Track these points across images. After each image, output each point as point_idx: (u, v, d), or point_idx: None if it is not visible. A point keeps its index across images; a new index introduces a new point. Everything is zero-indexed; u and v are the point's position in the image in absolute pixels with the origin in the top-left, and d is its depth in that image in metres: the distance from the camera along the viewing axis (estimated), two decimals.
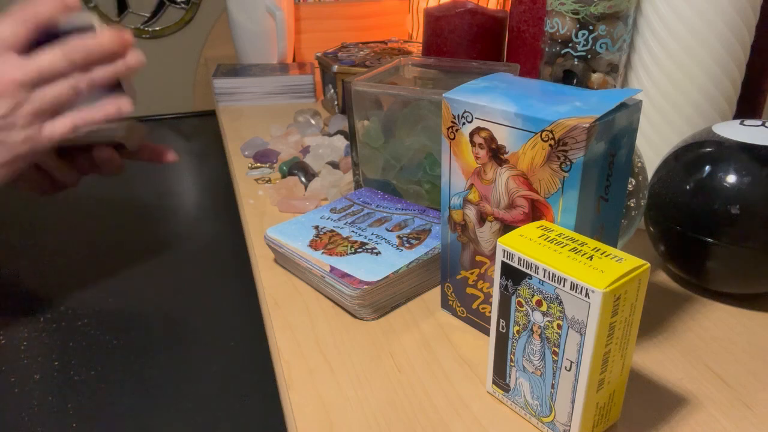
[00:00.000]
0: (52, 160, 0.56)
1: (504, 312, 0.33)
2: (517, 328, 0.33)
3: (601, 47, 0.48)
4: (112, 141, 0.57)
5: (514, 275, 0.32)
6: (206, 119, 1.27)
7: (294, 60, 1.12)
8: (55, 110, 0.51)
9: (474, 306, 0.42)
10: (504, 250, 0.32)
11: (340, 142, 0.72)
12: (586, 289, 0.28)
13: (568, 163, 0.32)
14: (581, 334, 0.29)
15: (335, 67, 0.85)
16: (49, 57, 0.49)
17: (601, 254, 0.30)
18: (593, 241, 0.32)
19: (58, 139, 0.52)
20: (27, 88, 0.49)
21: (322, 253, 0.47)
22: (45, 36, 0.51)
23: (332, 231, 0.50)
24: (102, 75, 0.52)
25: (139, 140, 0.61)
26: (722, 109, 0.50)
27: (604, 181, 0.34)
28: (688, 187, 0.43)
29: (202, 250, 0.73)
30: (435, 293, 0.47)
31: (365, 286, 0.42)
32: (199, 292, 0.66)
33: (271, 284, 0.49)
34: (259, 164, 0.72)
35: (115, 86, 0.54)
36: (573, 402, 0.31)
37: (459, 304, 0.43)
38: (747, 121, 0.45)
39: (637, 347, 0.41)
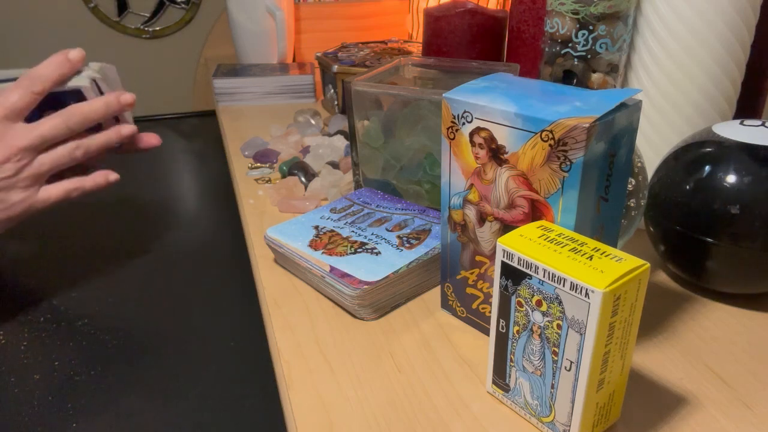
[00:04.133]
0: None
1: (504, 312, 0.33)
2: (517, 328, 0.33)
3: (601, 47, 0.48)
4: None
5: (514, 275, 0.32)
6: (206, 119, 1.27)
7: (294, 60, 1.12)
8: (51, 175, 0.56)
9: (474, 306, 0.42)
10: (504, 250, 0.32)
11: (340, 142, 0.72)
12: (586, 289, 0.28)
13: (568, 163, 0.32)
14: (581, 334, 0.29)
15: (335, 67, 0.85)
16: (51, 124, 0.54)
17: (601, 254, 0.30)
18: (593, 241, 0.32)
19: (51, 204, 0.56)
20: (30, 153, 0.54)
21: (322, 253, 0.47)
22: (46, 98, 0.55)
23: (332, 231, 0.50)
24: (97, 145, 0.57)
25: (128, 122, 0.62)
26: (722, 109, 0.50)
27: (604, 181, 0.34)
28: (688, 187, 0.43)
29: (202, 250, 0.73)
30: (435, 293, 0.47)
31: (365, 286, 0.42)
32: (199, 292, 0.66)
33: (271, 284, 0.49)
34: (259, 164, 0.72)
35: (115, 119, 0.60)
36: (573, 402, 0.31)
37: (459, 304, 0.43)
38: (747, 121, 0.45)
39: (637, 347, 0.41)
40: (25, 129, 0.53)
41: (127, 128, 0.59)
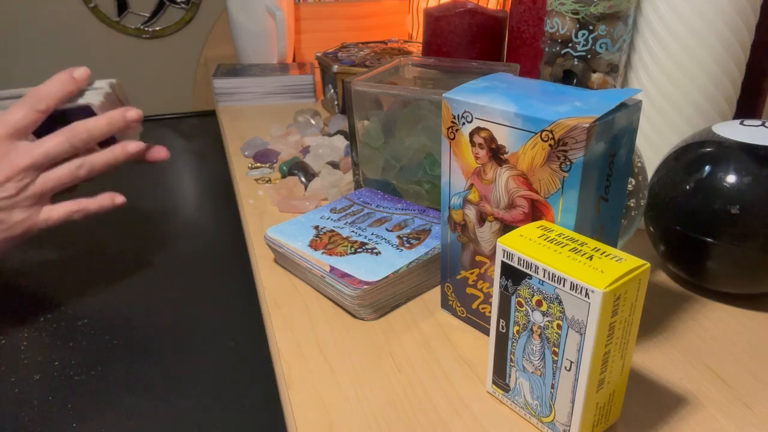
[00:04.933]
0: None
1: (504, 312, 0.33)
2: (517, 328, 0.33)
3: (601, 47, 0.48)
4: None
5: (514, 275, 0.32)
6: (206, 119, 1.27)
7: (294, 60, 1.12)
8: (54, 194, 0.55)
9: (474, 306, 0.42)
10: (504, 250, 0.32)
11: (340, 142, 0.72)
12: (586, 289, 0.28)
13: (568, 163, 0.32)
14: (581, 334, 0.29)
15: (335, 67, 0.85)
16: (55, 142, 0.53)
17: (601, 254, 0.30)
18: (593, 241, 0.32)
19: (53, 224, 0.56)
20: (33, 173, 0.53)
21: (322, 253, 0.47)
22: (52, 115, 0.55)
23: (332, 231, 0.50)
24: (101, 163, 0.56)
25: (134, 138, 0.61)
26: (722, 109, 0.50)
27: (604, 181, 0.34)
28: (688, 187, 0.43)
29: (202, 250, 0.73)
30: (435, 293, 0.47)
31: (365, 286, 0.42)
32: (199, 292, 0.66)
33: (271, 284, 0.49)
34: (259, 164, 0.72)
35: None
36: (573, 402, 0.31)
37: (459, 304, 0.43)
38: (747, 121, 0.45)
39: (637, 347, 0.41)
40: (28, 147, 0.53)
41: (133, 145, 0.58)
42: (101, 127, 0.55)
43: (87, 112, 0.57)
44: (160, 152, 0.62)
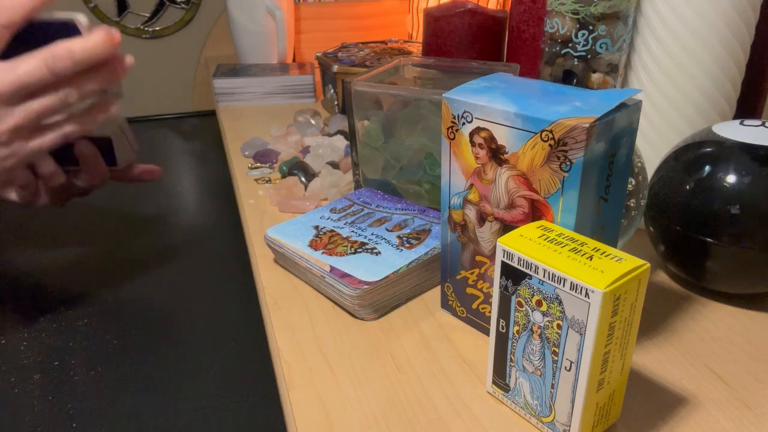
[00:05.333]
0: (47, 165, 0.53)
1: (504, 312, 0.33)
2: (517, 328, 0.33)
3: (601, 47, 0.48)
4: (101, 136, 0.56)
5: (514, 275, 0.32)
6: (206, 119, 1.27)
7: (294, 60, 1.12)
8: (41, 123, 0.47)
9: (474, 306, 0.42)
10: (504, 250, 0.32)
11: (340, 142, 0.72)
12: (586, 289, 0.28)
13: (568, 163, 0.32)
14: (581, 334, 0.29)
15: (335, 67, 0.85)
16: (30, 67, 0.44)
17: (601, 254, 0.30)
18: (593, 241, 0.32)
19: (45, 150, 0.49)
20: (6, 102, 0.45)
21: (322, 253, 0.47)
22: (26, 32, 0.46)
23: (332, 231, 0.50)
24: (92, 88, 0.47)
25: (129, 159, 0.59)
26: (722, 109, 0.50)
27: (604, 181, 0.34)
28: (688, 187, 0.43)
29: (202, 250, 0.73)
30: (435, 293, 0.47)
31: (365, 286, 0.42)
32: (199, 292, 0.66)
33: (271, 284, 0.49)
34: (259, 164, 0.72)
35: None
36: (573, 402, 0.31)
37: (459, 304, 0.43)
38: (747, 121, 0.45)
39: (637, 347, 0.41)
40: None
41: (124, 62, 0.49)
42: (86, 48, 0.45)
43: (71, 30, 0.47)
44: (156, 172, 0.59)
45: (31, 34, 0.46)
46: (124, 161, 0.59)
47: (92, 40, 0.45)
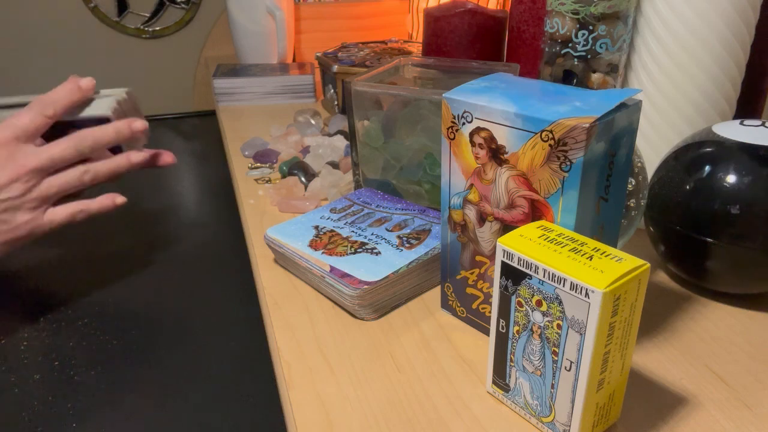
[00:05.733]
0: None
1: (504, 312, 0.33)
2: (517, 328, 0.33)
3: (601, 47, 0.48)
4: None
5: (514, 275, 0.32)
6: (206, 119, 1.27)
7: (294, 60, 1.12)
8: (58, 198, 0.56)
9: (474, 306, 0.42)
10: (504, 250, 0.32)
11: (340, 142, 0.72)
12: (586, 289, 0.28)
13: (568, 163, 0.32)
14: (581, 334, 0.29)
15: (335, 67, 0.85)
16: (62, 147, 0.55)
17: (601, 254, 0.30)
18: (593, 241, 0.32)
19: (56, 226, 0.57)
20: (39, 175, 0.54)
21: (322, 253, 0.47)
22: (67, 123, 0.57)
23: (332, 231, 0.50)
24: (106, 171, 0.58)
25: (139, 147, 0.62)
26: (722, 109, 0.50)
27: (604, 181, 0.34)
28: (688, 187, 0.43)
29: (202, 250, 0.73)
30: (435, 293, 0.47)
31: (365, 286, 0.42)
32: (199, 292, 0.66)
33: (271, 284, 0.49)
34: (259, 164, 0.72)
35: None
36: (573, 402, 0.31)
37: (459, 304, 0.43)
38: (747, 121, 0.45)
39: (637, 347, 0.41)
40: (34, 151, 0.54)
41: (136, 156, 0.60)
42: (108, 135, 0.57)
43: (103, 122, 0.58)
44: (167, 157, 0.64)
45: (69, 124, 0.57)
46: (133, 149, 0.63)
47: (111, 129, 0.57)
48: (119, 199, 0.60)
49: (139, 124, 0.59)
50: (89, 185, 0.58)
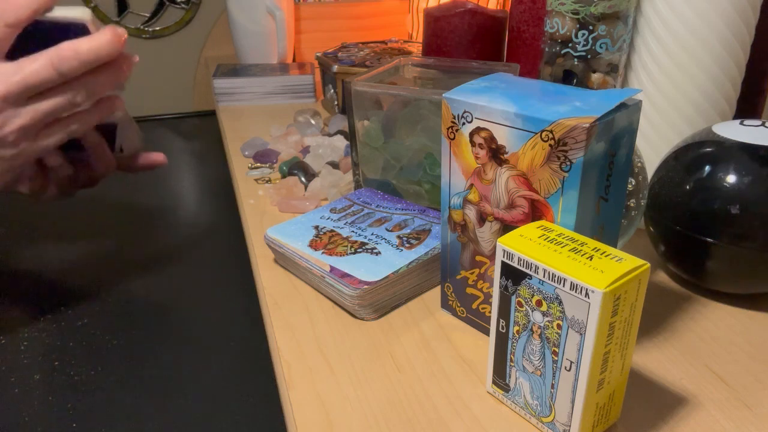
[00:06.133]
0: (55, 158, 0.54)
1: (504, 312, 0.33)
2: (517, 328, 0.33)
3: (601, 47, 0.48)
4: (107, 122, 0.55)
5: (514, 275, 0.32)
6: (206, 119, 1.27)
7: (294, 60, 1.12)
8: (49, 122, 0.47)
9: (474, 306, 0.42)
10: (504, 250, 0.32)
11: (340, 142, 0.72)
12: (586, 289, 0.28)
13: (568, 163, 0.32)
14: (581, 334, 0.29)
15: (335, 67, 0.85)
16: (35, 66, 0.43)
17: (601, 254, 0.30)
18: (593, 241, 0.32)
19: (52, 147, 0.48)
20: (13, 103, 0.44)
21: (322, 253, 0.47)
22: (33, 32, 0.45)
23: (332, 231, 0.50)
24: (99, 87, 0.47)
25: (135, 147, 0.60)
26: (722, 109, 0.50)
27: (604, 181, 0.34)
28: (688, 187, 0.43)
29: (202, 250, 0.73)
30: (435, 293, 0.47)
31: (365, 286, 0.42)
32: (199, 292, 0.66)
33: (271, 284, 0.49)
34: (259, 164, 0.72)
35: None
36: (573, 402, 0.31)
37: (459, 304, 0.43)
38: (747, 121, 0.45)
39: (637, 347, 0.41)
40: (3, 71, 0.43)
41: (130, 61, 0.48)
42: (93, 48, 0.44)
43: (79, 30, 0.46)
44: (158, 157, 0.60)
45: (39, 35, 0.45)
46: (131, 148, 0.59)
47: (98, 40, 0.45)
48: (119, 102, 0.49)
49: (124, 33, 0.46)
50: (86, 105, 0.47)
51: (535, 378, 0.33)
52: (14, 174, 0.49)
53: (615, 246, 0.38)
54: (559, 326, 0.30)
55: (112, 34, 0.45)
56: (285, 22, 1.02)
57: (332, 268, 0.44)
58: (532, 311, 0.31)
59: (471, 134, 0.37)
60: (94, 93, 0.47)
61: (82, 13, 0.48)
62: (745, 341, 0.41)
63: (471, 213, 0.39)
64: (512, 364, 0.34)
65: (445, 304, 0.45)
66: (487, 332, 0.42)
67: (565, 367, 0.31)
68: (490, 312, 0.41)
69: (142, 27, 1.24)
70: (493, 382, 0.36)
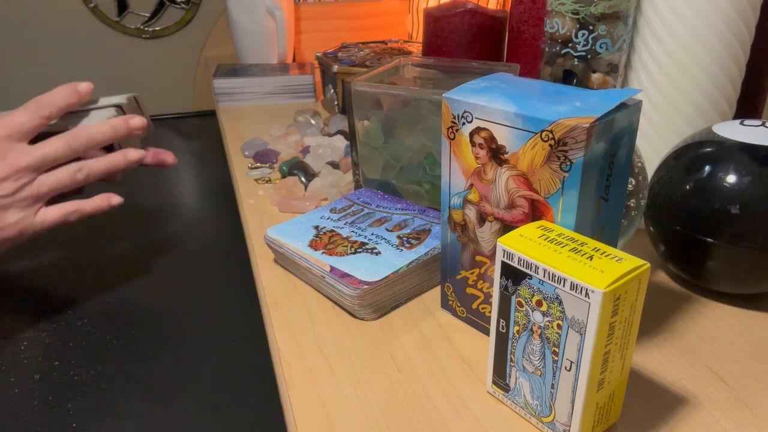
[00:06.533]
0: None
1: (504, 312, 0.33)
2: (517, 328, 0.33)
3: (601, 47, 0.48)
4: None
5: (514, 275, 0.32)
6: (206, 119, 1.27)
7: (294, 60, 1.12)
8: (50, 197, 0.55)
9: (474, 306, 0.42)
10: (504, 250, 0.32)
11: (340, 142, 0.72)
12: (586, 289, 0.28)
13: (568, 163, 0.32)
14: (581, 334, 0.29)
15: (335, 67, 0.85)
16: (54, 145, 0.54)
17: (601, 254, 0.30)
18: (593, 241, 0.32)
19: (49, 226, 0.55)
20: (30, 173, 0.53)
21: (322, 253, 0.47)
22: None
23: (332, 231, 0.50)
24: (100, 169, 0.56)
25: (136, 145, 0.61)
26: (722, 109, 0.50)
27: (604, 181, 0.34)
28: (688, 187, 0.43)
29: (202, 250, 0.73)
30: (435, 293, 0.47)
31: (365, 286, 0.42)
32: (199, 292, 0.66)
33: (271, 284, 0.49)
34: (259, 164, 0.72)
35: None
36: (573, 402, 0.31)
37: (459, 304, 0.43)
38: (747, 121, 0.45)
39: (637, 347, 0.41)
40: (27, 149, 0.53)
41: (133, 153, 0.58)
42: (103, 132, 0.56)
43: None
44: (167, 157, 0.63)
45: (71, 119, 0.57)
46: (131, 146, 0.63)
47: (106, 125, 0.56)
48: (115, 199, 0.59)
49: (137, 121, 0.57)
50: (83, 184, 0.56)
51: (535, 378, 0.33)
52: (5, 247, 0.55)
53: (615, 246, 0.38)
54: (559, 326, 0.30)
55: (122, 120, 0.57)
56: (285, 22, 1.02)
57: (332, 268, 0.44)
58: (532, 311, 0.31)
59: (471, 134, 0.37)
60: (92, 175, 0.56)
61: (118, 99, 0.59)
62: (745, 341, 0.41)
63: (471, 213, 0.39)
64: (512, 364, 0.34)
65: (445, 304, 0.45)
66: (487, 332, 0.42)
67: (565, 367, 0.31)
68: (490, 312, 0.41)
69: (142, 27, 1.24)
70: (493, 382, 0.36)
